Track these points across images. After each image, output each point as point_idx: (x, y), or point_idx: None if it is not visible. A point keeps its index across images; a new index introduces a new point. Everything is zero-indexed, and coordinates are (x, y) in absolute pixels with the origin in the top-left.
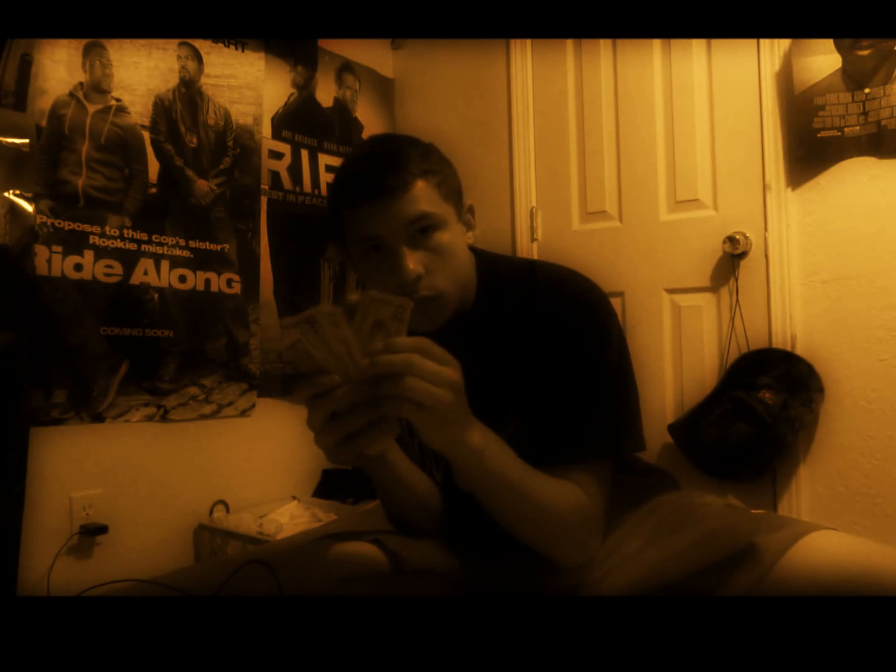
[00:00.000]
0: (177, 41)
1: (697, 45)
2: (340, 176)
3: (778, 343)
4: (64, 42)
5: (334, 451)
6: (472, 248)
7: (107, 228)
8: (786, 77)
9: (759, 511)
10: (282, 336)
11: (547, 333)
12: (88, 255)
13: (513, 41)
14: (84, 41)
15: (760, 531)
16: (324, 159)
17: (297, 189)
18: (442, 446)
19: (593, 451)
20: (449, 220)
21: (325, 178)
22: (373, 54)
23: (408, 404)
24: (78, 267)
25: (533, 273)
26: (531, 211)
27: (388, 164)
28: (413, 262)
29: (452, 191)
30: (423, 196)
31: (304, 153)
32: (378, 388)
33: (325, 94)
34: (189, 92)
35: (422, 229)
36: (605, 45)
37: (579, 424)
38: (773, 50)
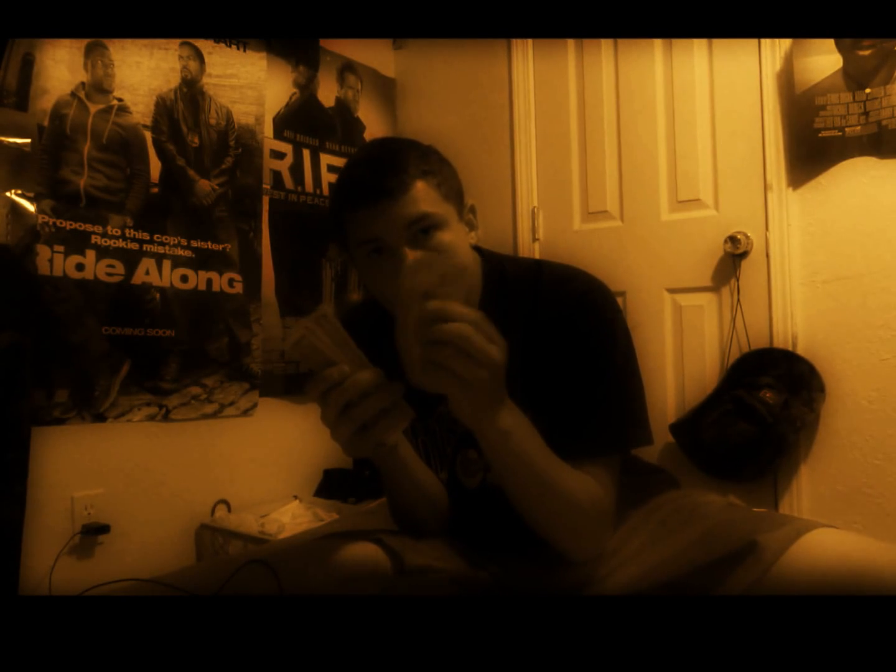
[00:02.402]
0: (178, 41)
1: (699, 45)
2: (341, 180)
3: (779, 342)
4: (66, 42)
5: (351, 443)
6: (478, 249)
7: (108, 228)
8: (787, 77)
9: (761, 510)
10: (287, 334)
11: (555, 331)
12: (90, 254)
13: (514, 41)
14: (86, 41)
15: (762, 529)
16: (325, 159)
17: (299, 189)
18: (470, 422)
19: (605, 445)
20: (450, 219)
21: (327, 177)
22: (374, 54)
23: (447, 377)
24: (80, 267)
25: (539, 272)
26: (532, 211)
27: (387, 166)
28: None
29: (453, 191)
30: (423, 197)
31: (306, 153)
32: (426, 351)
33: (327, 93)
34: (191, 92)
35: (423, 230)
36: (606, 44)
37: (590, 419)
38: (774, 50)
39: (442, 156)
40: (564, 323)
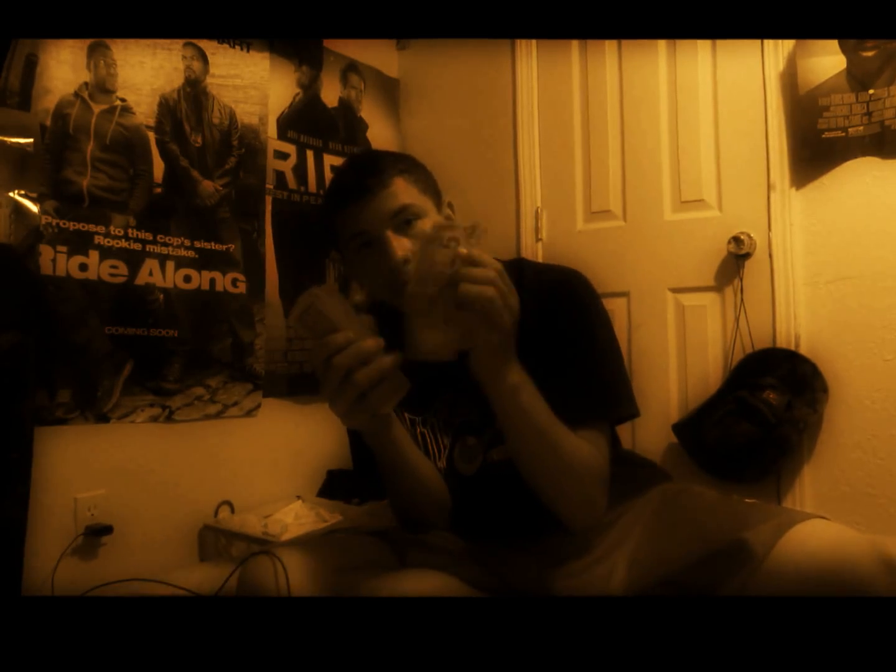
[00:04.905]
0: (182, 41)
1: (702, 46)
2: (330, 187)
3: (782, 343)
4: (68, 42)
5: (350, 412)
6: None
7: (112, 228)
8: (790, 78)
9: (751, 500)
10: (295, 306)
11: (538, 318)
12: (93, 255)
13: (518, 41)
14: (88, 41)
15: (749, 524)
16: (329, 159)
17: (302, 189)
18: (486, 375)
19: (595, 409)
20: (429, 211)
21: (330, 178)
22: (378, 54)
23: (478, 319)
24: (83, 267)
25: (520, 267)
26: (536, 211)
27: (367, 169)
28: (400, 248)
29: (429, 187)
30: (402, 191)
31: (310, 153)
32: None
33: (330, 94)
34: (194, 92)
35: (405, 220)
36: (610, 45)
37: (579, 388)
38: (778, 50)
39: (416, 160)
40: (546, 309)
